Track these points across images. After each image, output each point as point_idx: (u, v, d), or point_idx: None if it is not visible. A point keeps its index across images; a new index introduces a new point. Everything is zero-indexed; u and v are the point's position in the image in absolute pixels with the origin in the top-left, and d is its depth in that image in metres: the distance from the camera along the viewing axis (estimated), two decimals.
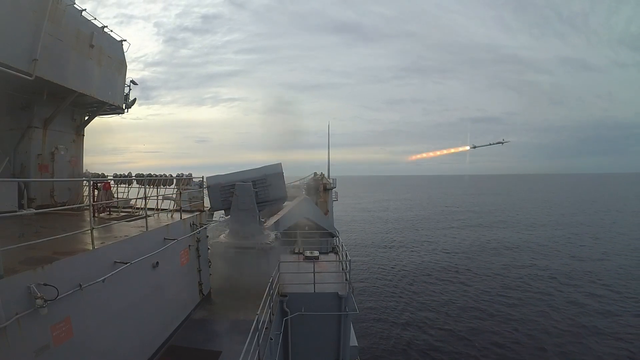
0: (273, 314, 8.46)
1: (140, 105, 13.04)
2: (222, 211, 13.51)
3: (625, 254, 33.16)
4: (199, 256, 8.93)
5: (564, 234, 44.38)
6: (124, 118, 12.24)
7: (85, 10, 8.90)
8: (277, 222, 16.28)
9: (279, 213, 17.81)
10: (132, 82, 11.74)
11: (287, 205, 17.51)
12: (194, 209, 9.51)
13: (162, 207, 9.31)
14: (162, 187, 9.52)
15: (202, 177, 10.09)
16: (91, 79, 9.35)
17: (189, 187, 9.93)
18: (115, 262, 5.25)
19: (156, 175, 9.50)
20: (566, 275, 26.33)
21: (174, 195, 9.38)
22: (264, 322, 7.30)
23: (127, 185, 10.08)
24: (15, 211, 5.73)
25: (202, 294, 9.09)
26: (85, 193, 9.85)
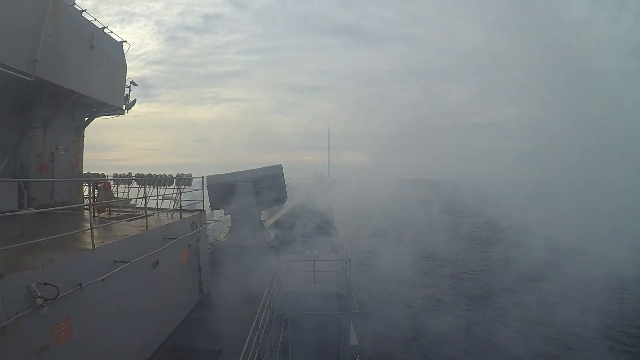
0: (273, 313, 8.48)
1: (140, 103, 13.08)
2: (222, 210, 13.58)
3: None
4: (199, 255, 8.94)
5: None
6: (123, 116, 12.30)
7: (85, 10, 8.93)
8: (277, 222, 16.32)
9: (279, 213, 17.85)
10: (132, 83, 11.77)
11: (287, 205, 17.54)
12: (194, 208, 9.53)
13: (162, 207, 9.32)
14: (162, 187, 9.53)
15: (202, 177, 10.10)
16: (91, 80, 9.37)
17: (188, 186, 9.95)
18: (116, 261, 5.26)
19: (156, 175, 9.52)
20: None
21: (174, 195, 9.39)
22: (264, 321, 7.32)
23: (127, 185, 10.10)
24: (16, 211, 5.76)
25: (202, 293, 9.10)
26: (86, 193, 9.87)
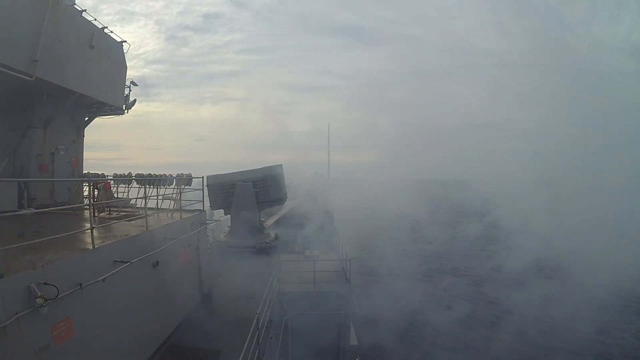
0: (273, 313, 8.48)
1: (140, 102, 13.11)
2: (222, 210, 13.58)
3: None
4: (199, 255, 8.94)
5: None
6: (123, 115, 12.31)
7: (85, 10, 8.94)
8: (277, 222, 16.32)
9: (279, 212, 17.87)
10: (132, 83, 11.78)
11: (287, 204, 17.55)
12: (194, 208, 9.54)
13: (162, 207, 9.33)
14: (162, 187, 9.54)
15: (202, 177, 10.11)
16: (91, 80, 9.38)
17: (188, 186, 9.97)
18: (116, 261, 5.27)
19: (156, 175, 9.53)
20: None
21: (174, 195, 9.40)
22: (264, 321, 7.33)
23: (127, 185, 10.11)
24: (16, 211, 5.76)
25: (202, 293, 9.11)
26: (86, 193, 9.89)
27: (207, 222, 9.97)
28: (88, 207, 7.31)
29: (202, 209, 9.66)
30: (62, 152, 9.60)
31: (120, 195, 9.87)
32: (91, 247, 4.96)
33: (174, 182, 9.68)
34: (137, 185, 9.44)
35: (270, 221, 16.12)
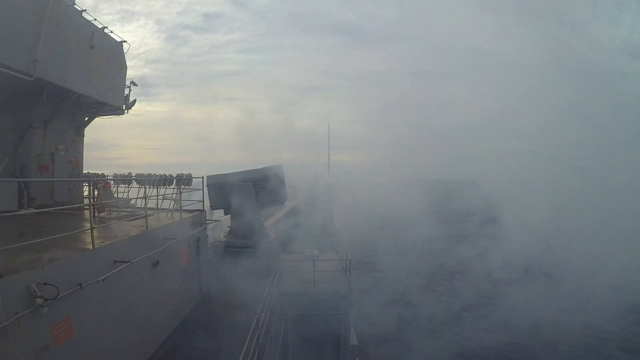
0: (273, 313, 8.48)
1: (140, 102, 13.11)
2: (222, 210, 13.59)
3: None
4: (199, 255, 8.94)
5: None
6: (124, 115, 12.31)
7: (85, 10, 8.94)
8: (277, 222, 16.35)
9: (279, 213, 17.89)
10: (132, 83, 11.78)
11: (288, 204, 17.57)
12: (194, 208, 9.55)
13: (162, 207, 9.33)
14: (162, 187, 9.54)
15: (202, 177, 10.11)
16: (91, 80, 9.37)
17: (188, 186, 9.96)
18: (116, 261, 5.27)
19: (156, 175, 9.53)
20: None
21: (174, 195, 9.40)
22: (264, 321, 7.33)
23: (127, 185, 10.11)
24: (16, 211, 5.76)
25: (202, 293, 9.11)
26: (86, 193, 9.89)
27: (207, 222, 9.97)
28: (88, 207, 7.31)
29: (202, 209, 9.66)
30: (62, 152, 9.59)
31: (120, 195, 9.87)
32: (91, 247, 4.96)
33: (174, 182, 9.67)
34: (137, 185, 9.44)
35: (270, 221, 16.14)
